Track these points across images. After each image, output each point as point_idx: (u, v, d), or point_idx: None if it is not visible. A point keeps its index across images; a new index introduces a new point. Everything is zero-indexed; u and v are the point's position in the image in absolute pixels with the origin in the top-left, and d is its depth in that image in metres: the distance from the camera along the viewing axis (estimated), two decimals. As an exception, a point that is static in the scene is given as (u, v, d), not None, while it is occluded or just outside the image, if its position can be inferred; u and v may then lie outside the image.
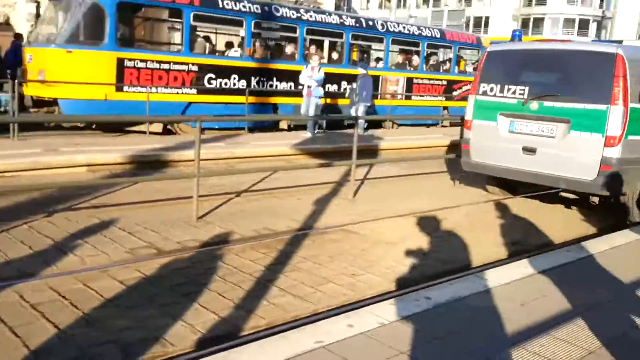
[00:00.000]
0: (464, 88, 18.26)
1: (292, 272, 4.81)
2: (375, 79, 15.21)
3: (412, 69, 17.42)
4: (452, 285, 4.09)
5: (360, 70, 14.07)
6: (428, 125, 17.65)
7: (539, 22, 58.86)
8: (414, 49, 17.45)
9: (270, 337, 3.19)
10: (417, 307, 3.62)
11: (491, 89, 7.56)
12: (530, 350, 3.12)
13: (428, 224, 6.58)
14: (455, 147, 9.14)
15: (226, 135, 12.36)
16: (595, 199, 7.53)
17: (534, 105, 7.08)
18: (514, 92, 7.29)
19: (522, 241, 6.20)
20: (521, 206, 7.82)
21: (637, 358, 3.12)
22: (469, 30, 58.60)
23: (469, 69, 19.45)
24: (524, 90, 7.20)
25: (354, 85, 14.23)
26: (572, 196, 7.75)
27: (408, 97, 17.10)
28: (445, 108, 18.13)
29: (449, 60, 18.91)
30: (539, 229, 6.68)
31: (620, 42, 8.93)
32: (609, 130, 6.50)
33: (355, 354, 2.97)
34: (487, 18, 61.85)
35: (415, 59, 17.48)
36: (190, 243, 5.42)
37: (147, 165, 8.90)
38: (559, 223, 7.07)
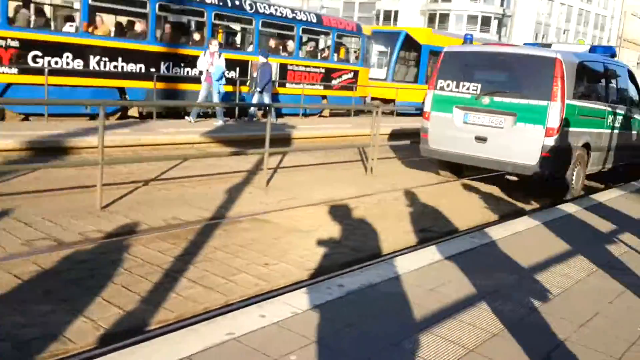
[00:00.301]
0: (344, 77, 17.78)
1: (203, 262, 4.68)
2: (244, 64, 14.45)
3: (286, 54, 16.27)
4: (364, 272, 4.13)
5: (260, 58, 13.59)
6: (306, 115, 16.94)
7: (444, 17, 61.06)
8: (288, 33, 16.29)
9: (179, 330, 3.08)
10: (330, 295, 3.62)
11: (447, 85, 8.47)
12: (438, 335, 3.20)
13: (341, 212, 6.63)
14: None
15: (133, 121, 11.89)
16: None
17: (486, 100, 8.05)
18: (468, 88, 8.24)
19: (431, 228, 6.39)
20: (430, 194, 8.07)
21: (535, 339, 3.27)
22: (379, 23, 59.85)
23: (352, 57, 18.78)
24: (477, 86, 8.17)
25: (255, 74, 13.79)
26: (514, 178, 8.56)
27: (282, 85, 15.91)
28: (324, 97, 17.48)
29: (328, 47, 17.73)
30: (445, 216, 6.91)
31: (549, 45, 10.32)
32: (549, 122, 7.58)
33: (267, 345, 2.91)
34: (396, 12, 63.37)
35: (290, 44, 16.31)
36: (94, 234, 5.14)
37: (46, 152, 8.36)
38: (465, 210, 7.35)
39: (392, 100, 20.31)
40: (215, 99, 12.50)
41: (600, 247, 5.30)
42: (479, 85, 8.13)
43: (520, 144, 7.76)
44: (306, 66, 16.60)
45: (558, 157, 7.70)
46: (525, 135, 7.73)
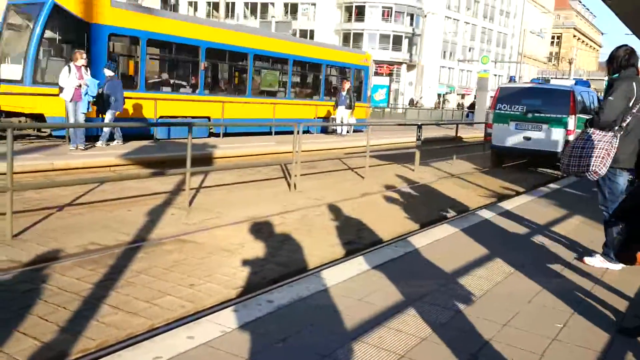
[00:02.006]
0: None
1: (125, 287, 4.50)
2: None
3: None
4: (293, 287, 4.11)
5: (106, 72, 12.04)
6: None
7: (358, 37, 62.67)
8: None
9: (102, 358, 2.93)
10: (259, 312, 3.57)
11: (504, 106, 13.68)
12: (370, 343, 3.22)
13: (266, 229, 6.59)
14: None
15: (44, 144, 11.32)
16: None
17: (529, 115, 13.19)
18: (518, 108, 13.42)
19: (355, 240, 6.47)
20: (353, 207, 8.17)
21: (462, 341, 3.36)
22: (296, 42, 60.37)
23: None
24: (523, 107, 13.33)
25: (100, 90, 11.88)
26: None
27: None
28: None
29: None
30: (369, 228, 7.02)
31: (548, 80, 15.51)
32: (568, 127, 12.66)
33: (197, 366, 2.83)
34: (312, 31, 64.40)
35: None
36: (5, 264, 4.83)
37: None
38: (387, 221, 7.49)
39: (39, 115, 12.56)
40: (81, 118, 11.15)
41: (515, 250, 5.55)
42: (525, 106, 13.28)
43: (551, 140, 12.81)
44: None
45: None
46: (554, 134, 12.82)
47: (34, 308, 3.95)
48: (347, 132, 19.81)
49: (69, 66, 11.15)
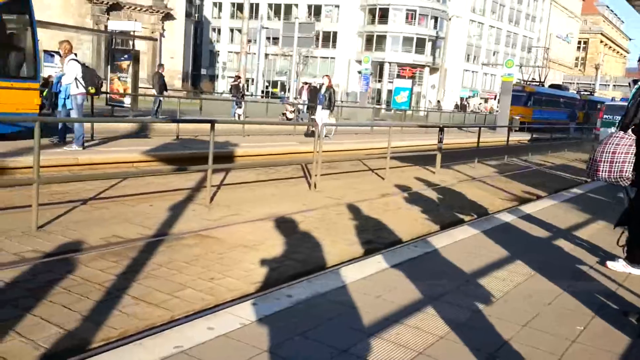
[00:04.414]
0: None
1: (146, 279, 4.57)
2: None
3: None
4: (312, 282, 4.14)
5: None
6: None
7: (381, 39, 62.66)
8: None
9: (124, 346, 2.99)
10: (278, 306, 3.61)
11: (608, 117, 21.47)
12: (387, 339, 3.24)
13: (286, 226, 6.63)
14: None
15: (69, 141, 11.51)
16: None
17: None
18: (616, 118, 17.08)
19: (374, 239, 6.46)
20: (372, 207, 8.17)
21: (480, 340, 3.35)
22: (319, 44, 60.58)
23: None
24: (619, 117, 15.21)
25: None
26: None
27: None
28: None
29: None
30: (389, 228, 7.01)
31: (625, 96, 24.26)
32: None
33: (216, 356, 2.87)
34: (335, 33, 64.58)
35: None
36: (30, 254, 4.93)
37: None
38: (406, 222, 7.48)
39: None
40: (75, 113, 10.28)
41: (535, 253, 5.51)
42: (619, 117, 15.63)
43: None
44: None
45: None
46: None
47: (58, 297, 4.03)
48: (327, 135, 16.07)
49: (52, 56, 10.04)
